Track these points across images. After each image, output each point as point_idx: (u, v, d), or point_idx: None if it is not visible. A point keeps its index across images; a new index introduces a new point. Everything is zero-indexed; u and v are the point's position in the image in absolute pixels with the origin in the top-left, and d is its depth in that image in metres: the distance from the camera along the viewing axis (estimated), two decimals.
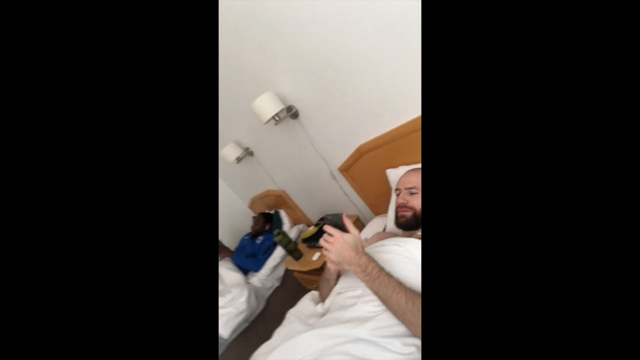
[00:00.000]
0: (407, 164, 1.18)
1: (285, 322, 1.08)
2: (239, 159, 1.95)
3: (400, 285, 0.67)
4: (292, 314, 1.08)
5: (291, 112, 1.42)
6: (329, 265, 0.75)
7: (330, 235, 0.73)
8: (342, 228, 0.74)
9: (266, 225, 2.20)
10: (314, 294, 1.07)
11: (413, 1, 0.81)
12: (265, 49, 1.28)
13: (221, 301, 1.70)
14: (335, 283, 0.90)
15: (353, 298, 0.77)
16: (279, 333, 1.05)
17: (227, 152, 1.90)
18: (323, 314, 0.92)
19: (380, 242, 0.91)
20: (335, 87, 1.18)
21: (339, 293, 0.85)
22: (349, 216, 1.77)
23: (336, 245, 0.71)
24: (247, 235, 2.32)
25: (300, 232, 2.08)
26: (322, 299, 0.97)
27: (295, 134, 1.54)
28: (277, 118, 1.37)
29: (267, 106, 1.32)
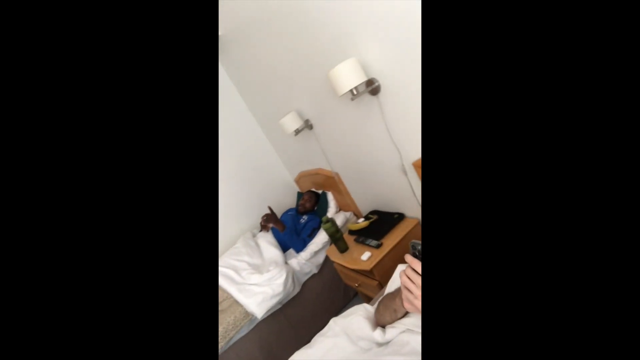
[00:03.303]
0: None
1: (329, 332, 0.95)
2: (297, 131, 1.78)
3: None
4: (337, 324, 0.95)
5: (371, 87, 1.19)
6: (407, 307, 0.56)
7: (418, 274, 0.52)
8: None
9: (315, 205, 2.07)
10: (367, 309, 0.91)
11: None
12: (350, 13, 1.08)
13: (258, 278, 1.63)
14: (405, 314, 0.72)
15: None
16: (322, 343, 0.92)
17: (286, 121, 1.73)
18: (382, 344, 0.76)
19: None
20: None
21: (410, 330, 0.67)
22: (410, 218, 1.55)
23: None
24: (290, 210, 2.22)
25: (347, 220, 1.92)
26: (380, 323, 0.81)
27: (369, 114, 1.32)
28: (354, 92, 1.16)
29: (347, 76, 1.11)
